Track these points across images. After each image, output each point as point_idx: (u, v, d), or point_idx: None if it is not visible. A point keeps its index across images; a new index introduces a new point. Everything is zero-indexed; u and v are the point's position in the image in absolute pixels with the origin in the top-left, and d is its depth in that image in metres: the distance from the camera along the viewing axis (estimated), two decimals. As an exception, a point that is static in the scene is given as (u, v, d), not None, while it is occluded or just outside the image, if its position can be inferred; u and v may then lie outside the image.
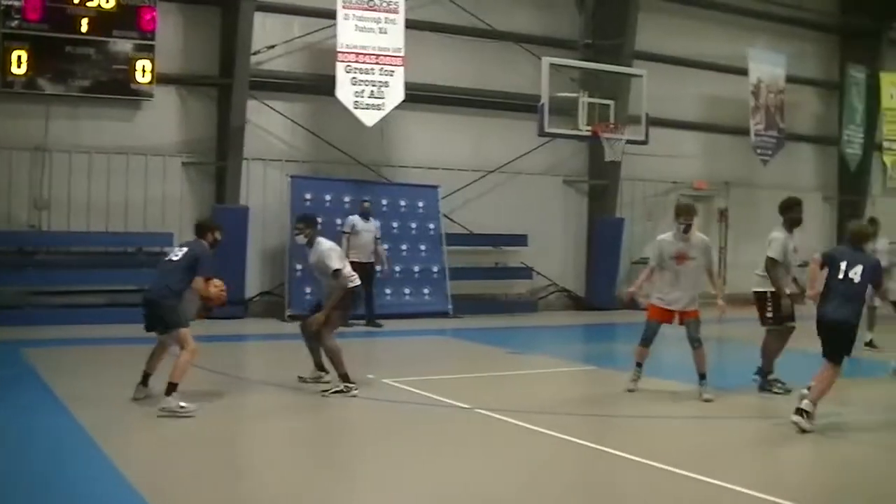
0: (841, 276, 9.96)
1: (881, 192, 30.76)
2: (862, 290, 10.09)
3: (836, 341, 9.97)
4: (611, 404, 11.84)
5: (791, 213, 12.42)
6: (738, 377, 12.95)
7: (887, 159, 29.36)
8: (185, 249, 10.66)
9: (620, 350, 14.99)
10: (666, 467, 8.24)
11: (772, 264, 11.99)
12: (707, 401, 11.36)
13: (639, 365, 12.03)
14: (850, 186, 29.60)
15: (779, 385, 12.22)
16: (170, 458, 8.49)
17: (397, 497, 7.56)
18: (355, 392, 11.32)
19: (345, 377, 11.36)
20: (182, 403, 9.82)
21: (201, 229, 10.99)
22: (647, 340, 11.95)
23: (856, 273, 9.92)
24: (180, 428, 9.57)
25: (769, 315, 12.19)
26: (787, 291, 12.06)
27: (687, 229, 11.85)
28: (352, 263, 18.18)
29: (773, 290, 12.03)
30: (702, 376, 11.70)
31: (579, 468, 8.74)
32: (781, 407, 10.85)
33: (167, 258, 10.75)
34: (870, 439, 10.03)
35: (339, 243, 18.24)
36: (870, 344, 16.59)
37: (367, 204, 19.11)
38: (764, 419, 10.82)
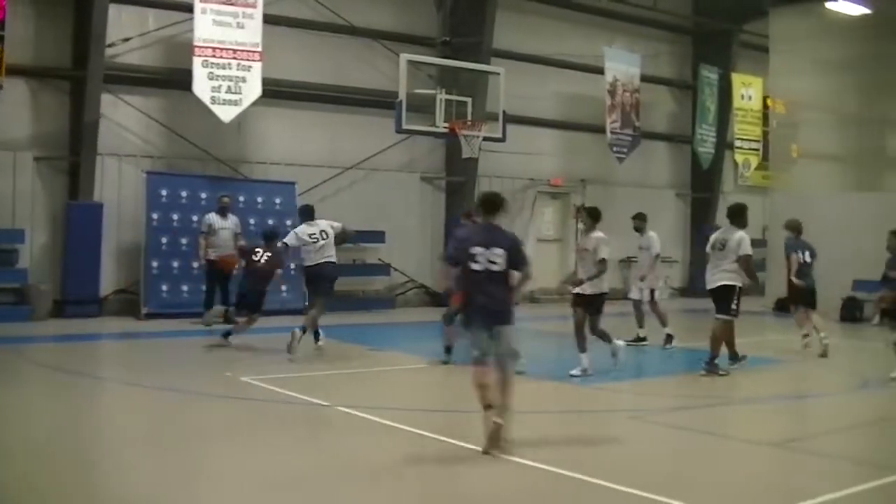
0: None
1: (733, 189, 32.51)
2: None
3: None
4: (467, 400, 12.68)
5: (744, 216, 14.59)
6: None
7: (739, 158, 31.18)
8: None
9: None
10: (519, 460, 8.83)
11: (749, 260, 14.16)
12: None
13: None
14: (703, 184, 31.45)
15: (721, 369, 14.21)
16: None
17: (251, 495, 7.87)
18: None
19: None
20: None
21: None
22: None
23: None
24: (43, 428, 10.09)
25: (734, 307, 14.15)
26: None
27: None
28: (210, 262, 18.93)
29: (741, 284, 14.13)
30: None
31: (437, 463, 9.09)
32: (621, 399, 11.98)
33: None
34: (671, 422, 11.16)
35: (196, 243, 18.99)
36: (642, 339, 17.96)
37: (225, 200, 19.65)
38: (617, 412, 11.89)
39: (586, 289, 13.75)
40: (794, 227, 17.12)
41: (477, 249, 9.31)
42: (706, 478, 8.83)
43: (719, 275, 14.25)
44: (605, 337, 14.15)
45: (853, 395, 12.91)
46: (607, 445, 9.98)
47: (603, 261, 13.68)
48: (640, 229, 17.98)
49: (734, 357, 14.60)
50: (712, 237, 14.96)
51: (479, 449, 9.06)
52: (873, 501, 8.02)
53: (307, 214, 15.81)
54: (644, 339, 17.56)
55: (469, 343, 9.69)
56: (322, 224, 15.59)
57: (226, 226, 19.25)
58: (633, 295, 17.78)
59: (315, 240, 15.37)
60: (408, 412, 11.21)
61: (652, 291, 17.52)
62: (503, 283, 9.41)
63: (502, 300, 9.40)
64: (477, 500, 7.99)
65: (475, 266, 9.30)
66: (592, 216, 14.19)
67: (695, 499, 7.75)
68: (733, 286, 14.15)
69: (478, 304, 9.39)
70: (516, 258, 9.44)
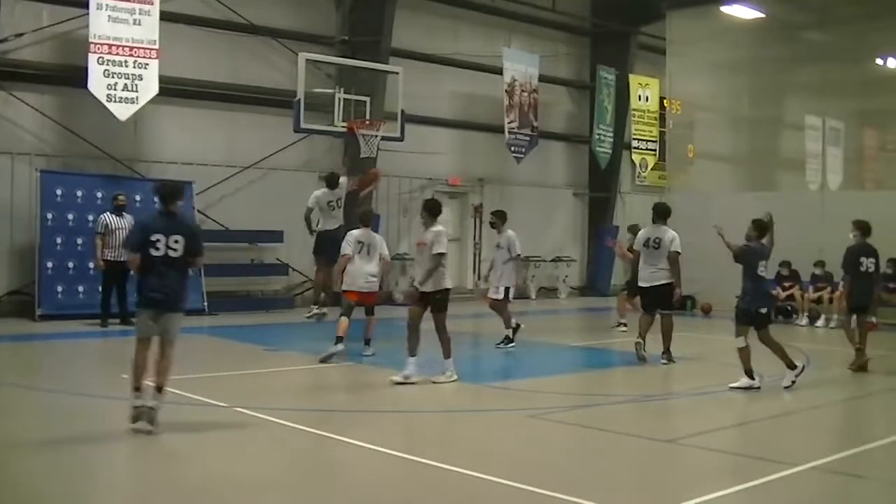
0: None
1: (630, 189, 33.36)
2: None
3: None
4: (366, 399, 13.10)
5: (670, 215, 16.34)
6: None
7: (636, 158, 32.05)
8: None
9: (376, 346, 16.11)
10: (419, 459, 9.17)
11: (678, 258, 15.75)
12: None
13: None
14: (601, 184, 32.28)
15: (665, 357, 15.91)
16: None
17: (150, 497, 8.05)
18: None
19: None
20: None
21: None
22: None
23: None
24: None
25: (675, 302, 15.91)
26: None
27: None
28: (107, 262, 19.03)
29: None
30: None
31: (338, 464, 9.38)
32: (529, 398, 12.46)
33: None
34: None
35: (92, 243, 19.02)
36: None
37: (121, 199, 19.69)
38: (515, 411, 12.39)
39: (427, 286, 13.47)
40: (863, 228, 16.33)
41: (157, 236, 9.98)
42: (602, 474, 9.23)
43: (658, 273, 15.60)
44: (445, 344, 13.75)
45: (747, 392, 13.50)
46: (505, 444, 10.34)
47: (439, 255, 13.30)
48: (496, 227, 18.19)
49: (667, 351, 16.01)
50: (642, 235, 16.19)
51: (370, 446, 9.57)
52: (766, 495, 8.45)
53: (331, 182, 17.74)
54: (513, 340, 17.70)
55: (136, 323, 10.37)
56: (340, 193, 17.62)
57: (122, 226, 19.24)
58: (492, 294, 17.91)
59: (332, 207, 17.29)
60: (304, 412, 11.48)
61: (507, 290, 17.65)
62: (180, 270, 10.18)
63: (175, 287, 10.19)
64: (373, 501, 8.16)
65: (154, 252, 9.96)
66: (430, 210, 13.77)
67: (591, 495, 8.07)
68: (671, 283, 15.63)
69: (151, 287, 10.04)
70: (195, 245, 10.28)
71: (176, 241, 9.99)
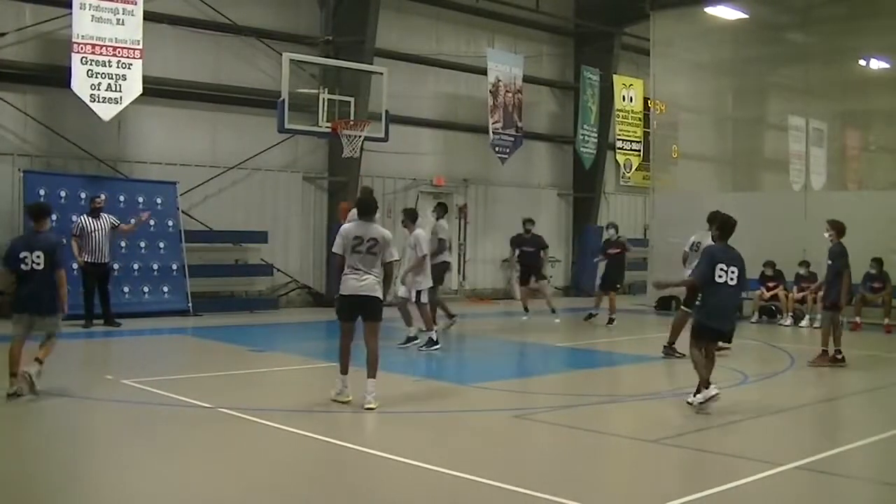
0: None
1: (614, 189, 33.50)
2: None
3: None
4: (352, 400, 13.11)
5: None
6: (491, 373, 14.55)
7: (620, 158, 32.17)
8: None
9: (360, 347, 16.13)
10: (405, 460, 9.17)
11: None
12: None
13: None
14: (585, 184, 32.35)
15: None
16: None
17: (134, 500, 8.08)
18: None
19: None
20: None
21: None
22: None
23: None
24: None
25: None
26: None
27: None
28: (86, 264, 18.87)
29: None
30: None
31: (323, 465, 9.39)
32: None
33: None
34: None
35: (69, 246, 18.87)
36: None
37: (98, 201, 19.55)
38: (502, 411, 12.45)
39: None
40: None
41: (24, 253, 11.76)
42: (588, 474, 9.35)
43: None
44: (371, 364, 12.00)
45: (732, 390, 13.57)
46: (491, 444, 10.41)
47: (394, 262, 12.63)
48: (406, 226, 17.46)
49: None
50: (693, 238, 17.05)
51: (357, 447, 9.68)
52: (751, 495, 8.52)
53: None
54: (415, 338, 17.43)
55: (13, 324, 12.00)
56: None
57: (98, 227, 19.19)
58: (401, 293, 17.44)
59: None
60: (289, 413, 11.49)
61: (419, 292, 17.14)
62: (45, 280, 11.82)
63: (43, 294, 11.84)
64: (359, 501, 8.22)
65: (24, 267, 11.73)
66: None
67: (577, 495, 8.15)
68: None
69: (23, 296, 11.87)
70: (55, 259, 11.87)
71: (38, 256, 11.76)
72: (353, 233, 12.04)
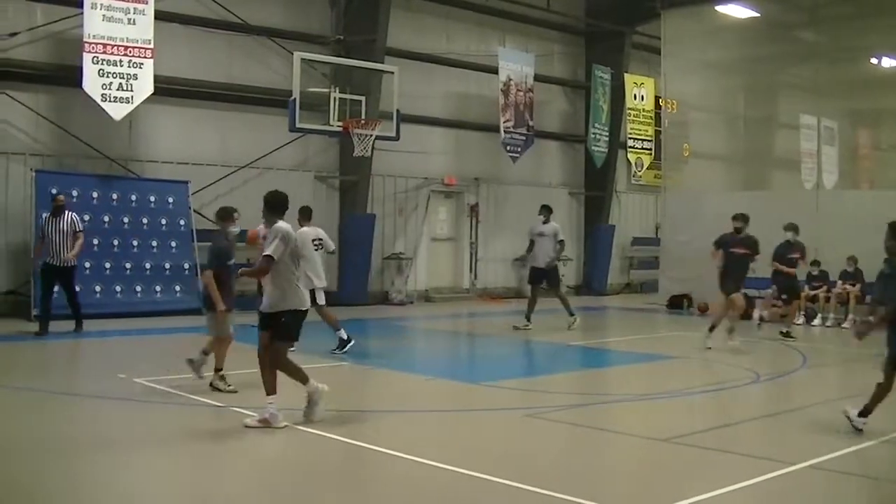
0: None
1: (626, 188, 33.49)
2: None
3: None
4: (361, 399, 13.25)
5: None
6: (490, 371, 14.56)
7: (631, 157, 32.13)
8: None
9: (373, 346, 16.18)
10: (412, 457, 9.26)
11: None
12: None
13: None
14: (596, 183, 32.34)
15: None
16: None
17: (139, 500, 8.14)
18: None
19: None
20: None
21: None
22: None
23: None
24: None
25: None
26: None
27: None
28: (45, 265, 18.23)
29: None
30: None
31: (338, 464, 9.45)
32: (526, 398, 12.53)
33: None
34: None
35: (85, 242, 18.71)
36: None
37: (59, 198, 18.70)
38: (514, 410, 12.47)
39: (265, 306, 11.09)
40: None
41: None
42: (599, 473, 9.39)
43: None
44: (270, 380, 10.92)
45: (744, 389, 13.56)
46: (503, 443, 10.46)
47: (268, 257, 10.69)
48: (301, 224, 16.28)
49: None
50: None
51: (370, 446, 9.56)
52: (762, 494, 8.55)
53: None
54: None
55: None
56: None
57: (58, 228, 18.18)
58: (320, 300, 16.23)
59: None
60: (299, 412, 11.28)
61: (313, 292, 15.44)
62: None
63: None
64: (369, 500, 8.27)
65: None
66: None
67: (589, 494, 8.16)
68: None
69: None
70: None
71: None
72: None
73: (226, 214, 13.46)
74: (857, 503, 8.72)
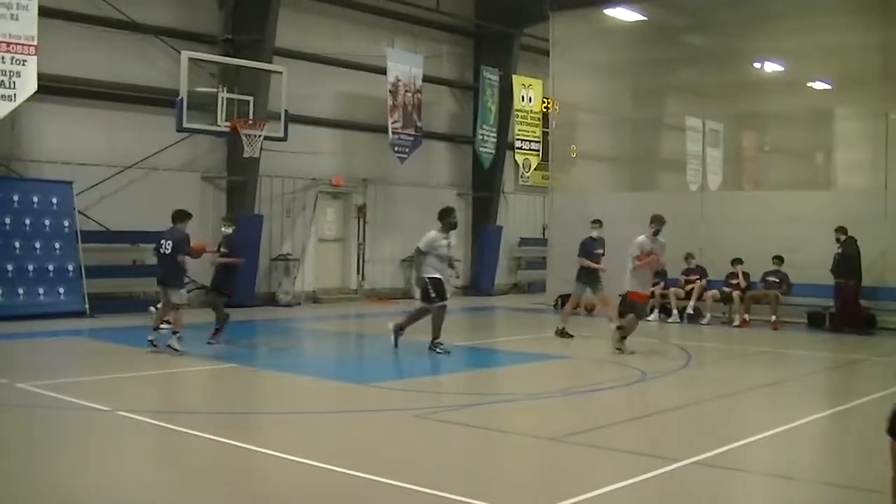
0: None
1: (514, 189, 33.78)
2: None
3: None
4: (247, 401, 13.18)
5: (448, 217, 16.85)
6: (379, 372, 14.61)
7: (519, 158, 32.47)
8: None
9: (261, 347, 16.14)
10: (299, 459, 9.23)
11: (418, 253, 16.53)
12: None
13: None
14: (484, 184, 32.60)
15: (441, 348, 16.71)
16: None
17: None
18: None
19: None
20: None
21: None
22: None
23: None
24: None
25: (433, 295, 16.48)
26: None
27: None
28: None
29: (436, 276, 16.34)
30: None
31: (223, 468, 9.32)
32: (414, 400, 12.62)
33: None
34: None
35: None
36: None
37: None
38: (402, 411, 12.50)
39: None
40: None
41: None
42: (490, 473, 9.45)
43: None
44: None
45: (631, 388, 13.79)
46: (393, 444, 10.49)
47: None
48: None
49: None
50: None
51: (257, 448, 9.63)
52: (650, 491, 8.70)
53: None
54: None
55: None
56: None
57: None
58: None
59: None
60: (188, 415, 11.46)
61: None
62: None
63: None
64: (260, 501, 8.25)
65: None
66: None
67: (479, 494, 8.24)
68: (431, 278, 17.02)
69: None
70: None
71: None
72: None
73: (186, 216, 16.55)
74: (742, 498, 8.95)
